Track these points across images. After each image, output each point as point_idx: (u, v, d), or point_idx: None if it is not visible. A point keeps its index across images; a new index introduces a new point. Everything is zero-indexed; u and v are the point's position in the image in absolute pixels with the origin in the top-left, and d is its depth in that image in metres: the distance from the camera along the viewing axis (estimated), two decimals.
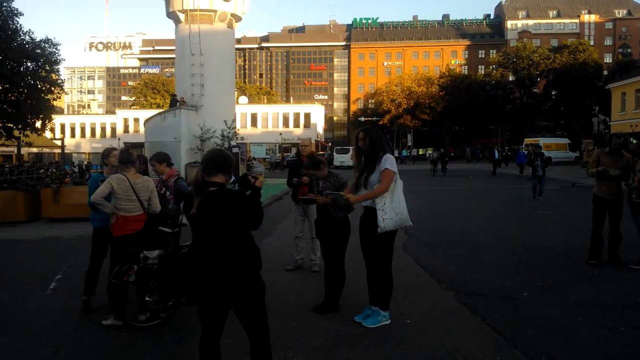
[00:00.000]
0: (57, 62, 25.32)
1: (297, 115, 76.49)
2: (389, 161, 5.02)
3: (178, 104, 29.21)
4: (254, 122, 74.09)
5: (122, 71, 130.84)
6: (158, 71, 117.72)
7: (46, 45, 24.80)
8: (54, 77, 25.66)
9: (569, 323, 5.22)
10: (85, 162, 50.31)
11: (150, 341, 4.95)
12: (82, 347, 4.89)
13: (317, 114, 79.01)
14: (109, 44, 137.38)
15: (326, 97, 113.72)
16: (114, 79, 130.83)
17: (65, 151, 41.61)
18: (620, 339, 4.79)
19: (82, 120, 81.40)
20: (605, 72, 73.97)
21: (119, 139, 66.99)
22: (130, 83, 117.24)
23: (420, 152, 61.74)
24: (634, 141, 8.00)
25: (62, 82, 26.34)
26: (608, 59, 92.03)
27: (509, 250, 8.87)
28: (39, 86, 24.93)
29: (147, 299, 5.09)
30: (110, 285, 5.10)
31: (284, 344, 4.70)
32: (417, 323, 5.30)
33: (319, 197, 5.51)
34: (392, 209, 4.95)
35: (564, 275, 7.13)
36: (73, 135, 77.27)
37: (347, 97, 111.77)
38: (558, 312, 5.54)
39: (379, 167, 5.00)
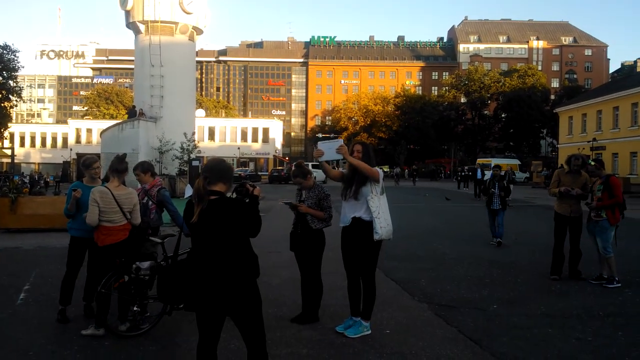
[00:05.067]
0: (15, 69, 24.57)
1: (255, 130, 76.43)
2: (378, 169, 5.28)
3: (137, 115, 28.78)
4: (211, 136, 73.54)
5: (74, 80, 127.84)
6: (112, 81, 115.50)
7: (4, 51, 24.05)
8: (11, 85, 24.86)
9: (540, 333, 5.49)
10: (37, 174, 48.53)
11: (134, 351, 4.91)
12: (64, 356, 4.80)
13: (276, 129, 79.19)
14: (61, 52, 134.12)
15: (284, 112, 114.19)
16: (66, 88, 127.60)
17: (15, 161, 40.20)
18: (588, 348, 5.08)
19: (32, 130, 78.96)
20: (553, 97, 77.38)
21: (71, 150, 65.23)
22: (82, 93, 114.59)
23: (385, 169, 62.23)
24: (592, 162, 8.45)
25: (20, 90, 25.54)
26: (555, 83, 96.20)
27: (474, 264, 9.18)
28: None
29: (135, 309, 5.05)
30: (99, 294, 5.04)
31: (271, 353, 4.70)
32: (397, 333, 5.45)
33: (301, 205, 5.64)
34: (385, 219, 5.14)
35: (529, 288, 7.45)
36: (22, 144, 74.78)
37: (305, 113, 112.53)
38: (528, 323, 5.81)
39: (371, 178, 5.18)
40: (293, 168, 5.98)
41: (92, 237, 5.45)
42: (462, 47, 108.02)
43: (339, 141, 5.16)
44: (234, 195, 3.66)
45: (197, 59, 44.06)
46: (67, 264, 5.84)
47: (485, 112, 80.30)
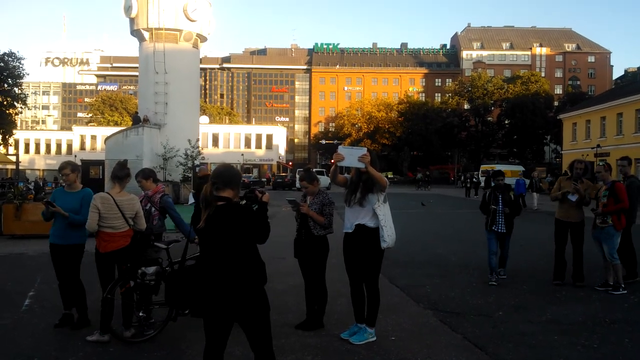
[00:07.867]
0: (20, 77, 24.68)
1: (259, 136, 76.61)
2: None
3: (141, 121, 28.86)
4: (215, 142, 73.69)
5: (78, 87, 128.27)
6: (116, 88, 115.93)
7: (9, 59, 24.16)
8: (16, 92, 24.97)
9: (545, 340, 5.46)
10: (41, 180, 48.68)
11: (139, 357, 4.90)
12: None
13: (279, 136, 79.34)
14: (66, 60, 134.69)
15: (287, 119, 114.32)
16: (70, 95, 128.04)
17: (19, 167, 40.33)
18: (595, 355, 5.06)
19: (37, 136, 79.40)
20: (556, 103, 77.15)
21: (75, 156, 65.23)
22: (87, 99, 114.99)
23: (390, 175, 62.42)
24: (602, 163, 8.51)
25: (25, 97, 25.67)
26: (558, 90, 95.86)
27: (479, 271, 9.13)
28: (1, 100, 24.18)
29: (141, 314, 5.05)
30: (105, 300, 5.05)
31: None
32: (402, 340, 5.44)
33: (303, 205, 5.65)
34: (390, 227, 5.15)
35: (534, 295, 7.43)
36: (27, 151, 75.11)
37: (308, 119, 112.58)
38: (534, 330, 5.79)
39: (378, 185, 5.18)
40: (302, 172, 6.00)
41: (64, 243, 5.59)
42: (465, 53, 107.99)
43: (362, 149, 5.00)
44: (243, 202, 3.66)
45: (201, 66, 44.21)
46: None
47: (489, 118, 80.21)
